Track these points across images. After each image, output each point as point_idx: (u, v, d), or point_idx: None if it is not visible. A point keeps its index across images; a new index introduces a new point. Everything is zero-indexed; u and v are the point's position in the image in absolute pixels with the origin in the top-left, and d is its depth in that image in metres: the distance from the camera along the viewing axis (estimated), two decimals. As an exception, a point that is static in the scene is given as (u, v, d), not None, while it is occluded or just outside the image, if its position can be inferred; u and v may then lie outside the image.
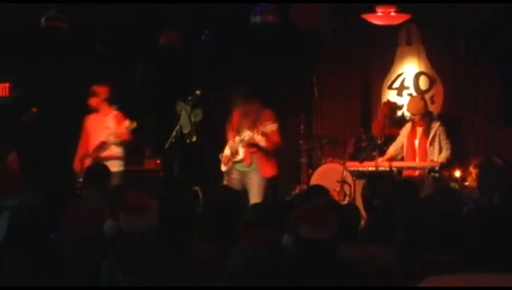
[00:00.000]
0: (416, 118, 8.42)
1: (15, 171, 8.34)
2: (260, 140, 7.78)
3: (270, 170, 7.98)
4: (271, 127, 7.67)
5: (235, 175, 7.98)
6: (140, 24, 9.61)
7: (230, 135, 8.02)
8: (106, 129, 8.18)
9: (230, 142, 8.00)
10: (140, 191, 4.20)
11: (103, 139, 8.13)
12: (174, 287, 3.78)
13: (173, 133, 8.06)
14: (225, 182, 8.00)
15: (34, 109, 8.70)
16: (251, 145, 7.83)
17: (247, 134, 7.83)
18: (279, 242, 3.66)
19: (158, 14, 9.40)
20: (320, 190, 5.36)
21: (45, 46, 9.58)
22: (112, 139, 8.09)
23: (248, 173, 7.93)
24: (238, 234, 4.14)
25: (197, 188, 8.30)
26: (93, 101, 8.28)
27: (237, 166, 7.97)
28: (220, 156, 8.08)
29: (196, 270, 3.96)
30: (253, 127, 7.83)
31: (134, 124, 8.00)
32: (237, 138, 7.91)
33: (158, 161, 9.60)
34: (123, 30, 9.76)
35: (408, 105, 8.72)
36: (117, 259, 3.85)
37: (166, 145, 8.08)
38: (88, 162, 8.03)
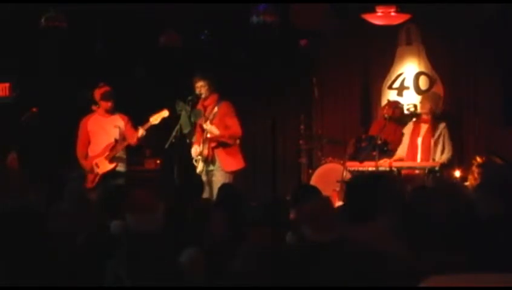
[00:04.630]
0: (426, 109, 8.36)
1: (15, 171, 8.34)
2: (212, 128, 7.92)
3: (232, 163, 8.16)
4: (215, 110, 7.96)
5: (204, 177, 8.12)
6: (140, 24, 9.61)
7: (197, 137, 8.19)
8: (115, 129, 8.22)
9: (195, 145, 8.21)
10: (147, 191, 4.20)
11: (116, 137, 8.20)
12: (179, 287, 3.78)
13: (174, 133, 8.07)
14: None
15: (34, 109, 8.70)
16: (212, 139, 8.07)
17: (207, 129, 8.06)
18: (283, 241, 3.67)
19: (158, 14, 9.39)
20: (312, 190, 5.38)
21: (45, 46, 9.58)
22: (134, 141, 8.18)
23: (211, 171, 8.13)
24: (244, 233, 4.14)
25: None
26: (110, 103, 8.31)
27: (203, 165, 8.14)
28: (194, 161, 8.16)
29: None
30: (212, 119, 8.09)
31: (144, 133, 8.13)
32: (201, 139, 8.11)
33: (158, 161, 9.60)
34: (123, 30, 9.76)
35: (424, 98, 8.72)
36: (122, 259, 3.84)
37: (166, 145, 8.08)
38: (99, 161, 8.10)
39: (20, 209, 4.17)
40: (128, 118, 8.36)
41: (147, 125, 8.17)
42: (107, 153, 8.19)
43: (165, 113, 8.18)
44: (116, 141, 8.24)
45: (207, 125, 7.98)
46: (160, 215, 3.95)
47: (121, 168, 8.27)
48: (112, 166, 8.17)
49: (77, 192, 5.53)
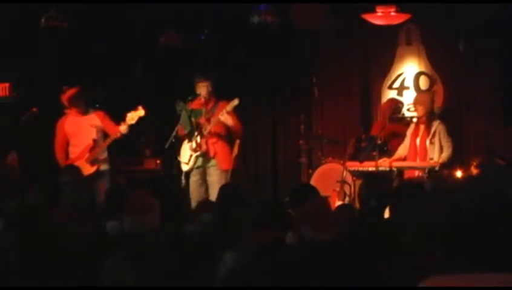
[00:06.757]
0: (420, 111, 8.34)
1: (15, 171, 8.34)
2: (227, 118, 7.95)
3: (228, 162, 8.18)
4: (232, 103, 7.92)
5: (194, 177, 8.12)
6: (140, 24, 9.61)
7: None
8: (92, 129, 8.18)
9: (186, 142, 8.16)
10: (143, 192, 4.20)
11: (94, 138, 8.16)
12: (177, 288, 3.78)
13: (173, 133, 8.06)
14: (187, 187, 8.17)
15: (34, 109, 8.70)
16: (212, 135, 8.04)
17: (207, 126, 8.01)
18: (284, 241, 3.67)
19: (158, 14, 9.40)
20: (311, 189, 5.38)
21: (45, 46, 9.58)
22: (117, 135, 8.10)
23: (207, 169, 8.10)
24: (242, 233, 4.14)
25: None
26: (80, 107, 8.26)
27: (198, 162, 8.09)
28: (178, 157, 8.16)
29: (200, 270, 3.96)
30: (211, 117, 8.05)
31: (126, 130, 8.04)
32: (195, 134, 8.08)
33: (158, 161, 9.60)
34: (123, 30, 9.76)
35: (415, 99, 8.70)
36: (120, 259, 3.84)
37: (166, 145, 8.08)
38: (80, 164, 8.06)
39: (20, 209, 4.18)
40: (104, 114, 8.26)
41: (125, 124, 8.06)
42: (87, 156, 8.13)
43: (141, 112, 8.05)
44: (95, 141, 8.18)
45: (222, 115, 7.94)
46: (156, 214, 3.95)
47: (105, 167, 8.20)
48: (93, 169, 8.08)
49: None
